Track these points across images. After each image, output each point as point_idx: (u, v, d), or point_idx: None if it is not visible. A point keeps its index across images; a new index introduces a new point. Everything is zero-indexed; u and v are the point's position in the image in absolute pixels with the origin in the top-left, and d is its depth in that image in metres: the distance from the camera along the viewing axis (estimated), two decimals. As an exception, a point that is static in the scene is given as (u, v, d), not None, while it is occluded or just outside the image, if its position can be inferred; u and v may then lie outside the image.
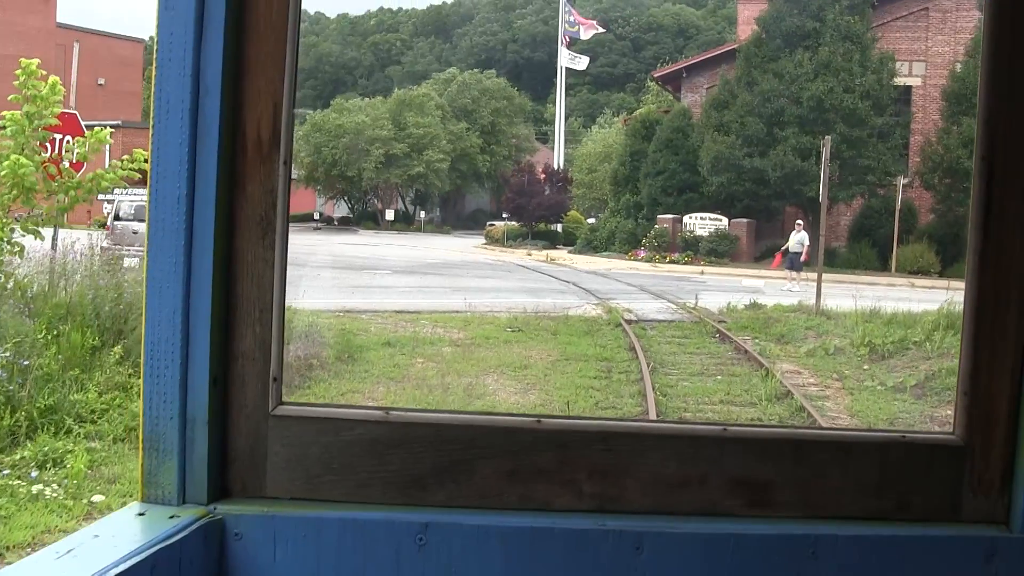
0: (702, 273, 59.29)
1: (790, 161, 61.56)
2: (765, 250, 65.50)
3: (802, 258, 41.25)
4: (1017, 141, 3.18)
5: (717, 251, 64.77)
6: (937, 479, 3.26)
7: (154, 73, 2.98)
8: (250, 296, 3.07)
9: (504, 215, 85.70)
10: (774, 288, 48.86)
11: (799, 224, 47.27)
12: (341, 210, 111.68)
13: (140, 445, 3.02)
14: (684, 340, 30.15)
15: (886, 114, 63.51)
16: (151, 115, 2.95)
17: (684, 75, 75.39)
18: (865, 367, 26.03)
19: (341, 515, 3.08)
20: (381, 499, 3.14)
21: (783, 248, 55.25)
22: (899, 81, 65.15)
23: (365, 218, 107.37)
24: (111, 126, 71.11)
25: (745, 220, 66.42)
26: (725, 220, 66.56)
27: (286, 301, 3.19)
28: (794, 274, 48.47)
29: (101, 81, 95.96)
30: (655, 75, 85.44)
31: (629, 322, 33.73)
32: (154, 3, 2.94)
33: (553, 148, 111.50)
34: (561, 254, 72.31)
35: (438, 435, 3.15)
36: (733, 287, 47.92)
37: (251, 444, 3.10)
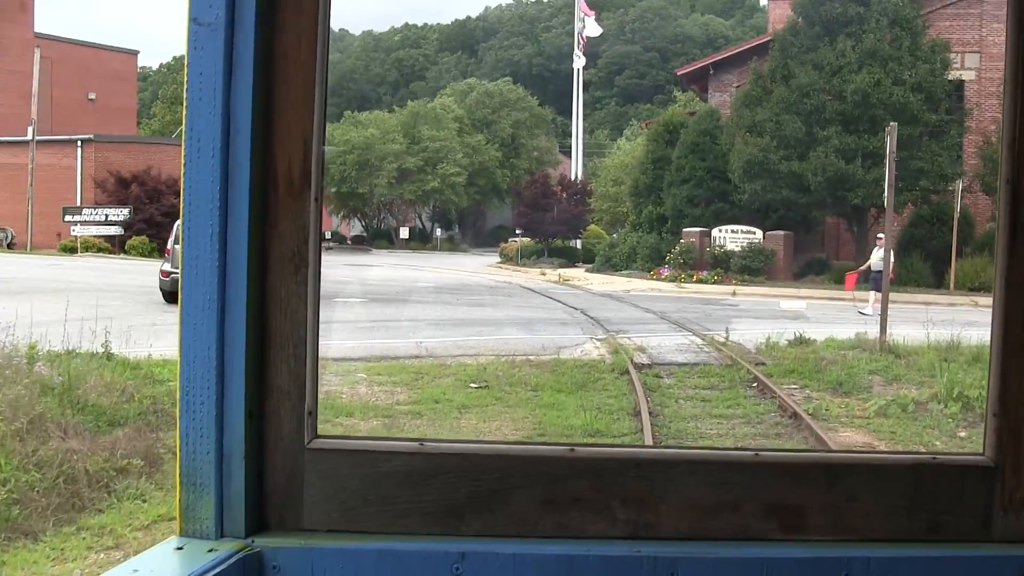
0: (734, 294, 51.14)
1: (832, 164, 52.84)
2: (804, 265, 57.60)
3: (889, 278, 32.16)
4: None
5: (751, 268, 56.64)
6: (968, 499, 3.17)
7: (184, 113, 2.93)
8: (284, 331, 3.03)
9: (517, 231, 76.71)
10: (819, 311, 41.31)
11: (880, 239, 38.16)
12: (357, 229, 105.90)
13: (177, 480, 2.99)
14: (710, 394, 22.70)
15: (940, 110, 55.18)
16: (182, 154, 2.91)
17: (711, 72, 65.90)
18: (962, 434, 19.34)
19: (378, 546, 3.03)
20: (418, 529, 3.09)
21: (861, 267, 46.49)
22: (951, 75, 56.88)
23: (379, 237, 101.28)
24: (82, 140, 63.19)
25: (782, 233, 58.13)
26: (759, 233, 58.05)
27: (319, 336, 3.09)
28: (876, 295, 39.17)
29: (92, 95, 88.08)
30: (679, 72, 75.58)
31: (640, 367, 25.93)
32: (183, 43, 2.91)
33: (574, 159, 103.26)
34: (577, 273, 63.95)
35: (473, 465, 3.10)
36: (770, 311, 41.72)
37: (288, 477, 3.07)
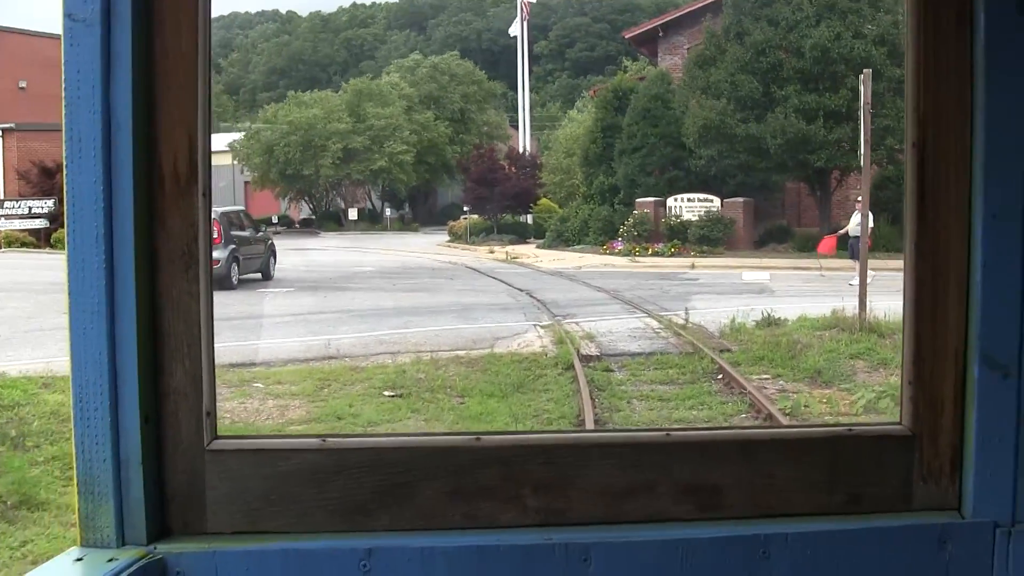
0: (692, 267, 47.62)
1: (793, 125, 48.90)
2: (764, 234, 53.66)
3: (866, 244, 28.21)
4: (945, 127, 3.12)
5: (709, 238, 52.61)
6: (887, 470, 3.20)
7: (63, 111, 2.84)
8: (177, 331, 2.96)
9: (465, 208, 72.49)
10: (784, 283, 37.64)
11: (859, 202, 34.34)
12: (306, 212, 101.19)
13: (75, 489, 2.91)
14: (668, 391, 19.69)
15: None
16: (63, 154, 2.83)
17: (661, 34, 61.72)
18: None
19: (284, 546, 2.97)
20: (324, 527, 3.03)
21: (839, 232, 44.06)
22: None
23: (328, 219, 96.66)
24: (3, 129, 58.90)
25: (741, 200, 54.08)
26: (717, 201, 54.08)
27: (214, 334, 3.05)
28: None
29: (22, 84, 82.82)
30: (627, 35, 71.03)
31: (588, 359, 22.69)
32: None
33: (521, 130, 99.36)
34: (527, 250, 59.81)
35: (377, 459, 3.06)
36: (733, 285, 39.03)
37: (188, 481, 2.99)
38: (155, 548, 2.90)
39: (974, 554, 3.14)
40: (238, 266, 40.12)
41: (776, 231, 52.76)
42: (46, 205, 61.32)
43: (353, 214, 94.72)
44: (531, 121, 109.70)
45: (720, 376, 20.53)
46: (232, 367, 21.45)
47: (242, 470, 3.00)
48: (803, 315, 26.42)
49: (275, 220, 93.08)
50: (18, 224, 61.57)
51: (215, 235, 35.58)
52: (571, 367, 21.31)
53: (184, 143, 2.89)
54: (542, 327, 27.76)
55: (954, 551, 3.13)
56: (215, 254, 34.75)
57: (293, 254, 59.13)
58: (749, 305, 28.80)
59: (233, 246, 40.08)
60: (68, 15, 2.79)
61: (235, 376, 20.71)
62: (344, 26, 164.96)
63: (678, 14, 63.17)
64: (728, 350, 23.34)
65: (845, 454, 3.17)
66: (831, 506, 3.16)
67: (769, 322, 25.85)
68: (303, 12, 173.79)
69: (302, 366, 22.11)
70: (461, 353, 23.28)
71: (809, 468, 3.15)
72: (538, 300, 34.01)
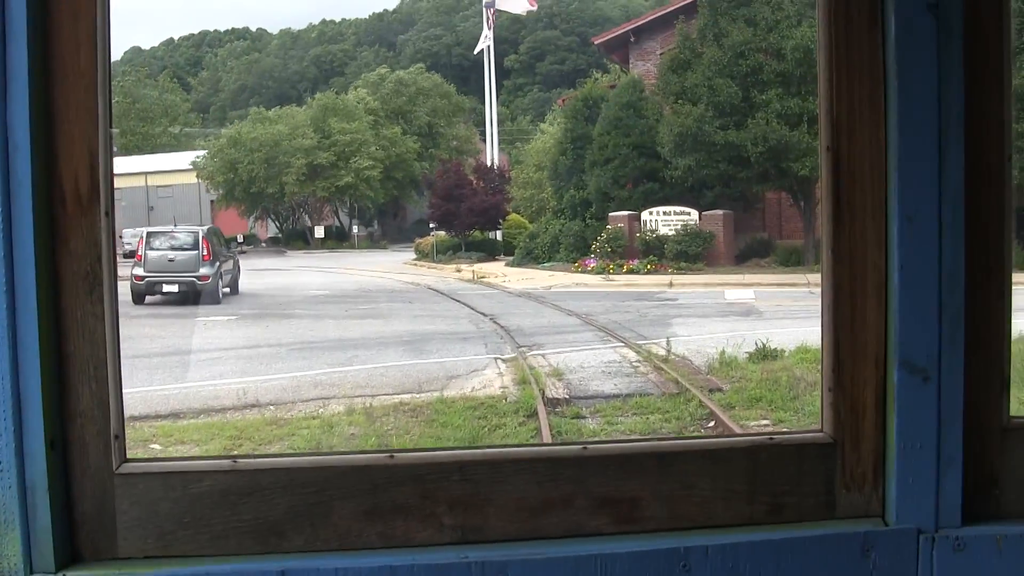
0: (671, 285, 43.73)
1: (775, 131, 45.20)
2: (745, 247, 49.66)
3: None
4: (858, 130, 3.10)
5: (688, 254, 48.70)
6: (809, 478, 3.16)
7: None
8: (83, 353, 2.85)
9: (431, 225, 68.45)
10: (771, 302, 34.21)
11: None
12: (273, 231, 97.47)
13: None
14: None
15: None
16: None
17: (632, 40, 57.52)
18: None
19: (196, 570, 2.90)
20: (237, 550, 2.96)
21: None
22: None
23: (295, 237, 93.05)
24: None
25: (721, 212, 50.01)
26: (695, 213, 50.04)
27: (121, 355, 3.00)
28: None
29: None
30: (596, 41, 66.93)
31: (555, 403, 19.14)
32: None
33: (500, 147, 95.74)
34: (496, 268, 55.50)
35: (290, 479, 2.98)
36: (716, 305, 36.06)
37: (98, 505, 2.90)
38: (64, 575, 2.79)
39: (898, 561, 3.11)
40: (222, 281, 41.45)
41: (757, 244, 48.95)
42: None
43: (320, 232, 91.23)
44: (501, 135, 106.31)
45: (711, 423, 17.08)
46: (133, 421, 17.53)
47: (152, 493, 2.88)
48: (803, 345, 22.50)
49: (240, 239, 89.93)
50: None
51: (205, 252, 40.12)
52: (534, 414, 17.78)
53: (85, 162, 2.79)
54: (504, 361, 24.03)
55: (878, 559, 3.09)
56: (205, 271, 39.70)
57: (251, 276, 55.89)
58: (735, 330, 25.36)
59: (219, 263, 41.56)
60: None
61: (134, 434, 16.76)
62: (314, 43, 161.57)
63: (650, 18, 59.01)
64: (719, 389, 19.74)
65: (766, 463, 3.10)
66: (753, 516, 3.10)
67: (764, 354, 22.01)
68: (273, 29, 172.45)
69: (216, 418, 18.27)
70: (406, 398, 19.55)
71: (729, 478, 3.09)
72: (502, 327, 30.23)
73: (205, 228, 44.97)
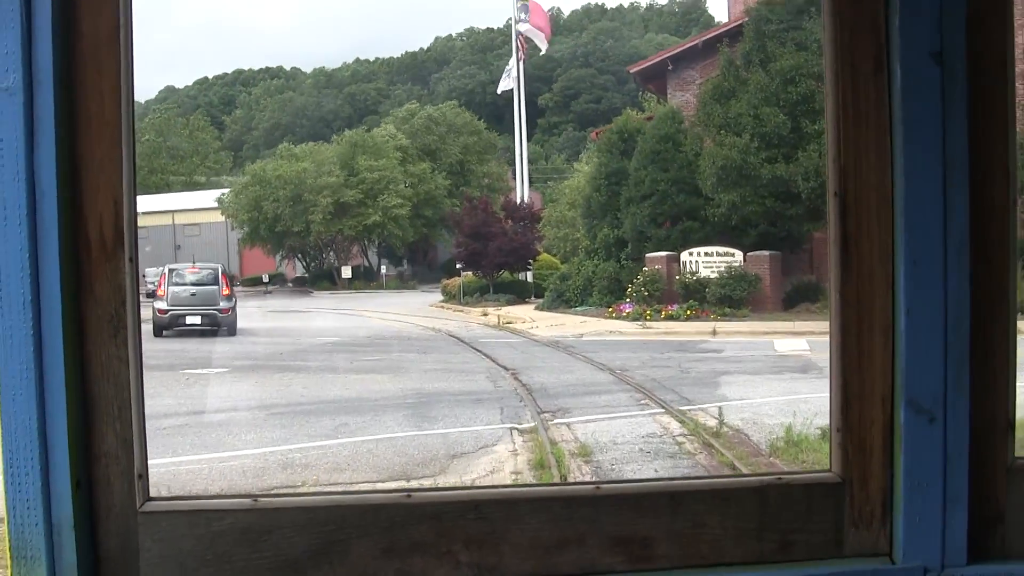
0: (714, 333, 38.93)
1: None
2: (792, 292, 44.80)
3: None
4: (865, 176, 3.12)
5: (731, 298, 43.87)
6: (818, 517, 3.17)
7: None
8: (107, 395, 2.88)
9: (458, 265, 64.04)
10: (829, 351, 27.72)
11: None
12: (300, 270, 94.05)
13: (8, 553, 2.83)
14: None
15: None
16: None
17: (670, 68, 52.81)
18: None
19: None
20: None
21: None
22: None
23: (322, 277, 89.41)
24: None
25: (767, 253, 45.19)
26: (739, 254, 45.34)
27: (144, 397, 3.00)
28: None
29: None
30: (632, 70, 62.14)
31: None
32: None
33: (533, 185, 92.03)
34: (524, 312, 50.89)
35: (309, 518, 3.00)
36: (767, 359, 31.23)
37: (121, 543, 2.92)
38: None
39: None
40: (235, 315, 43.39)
41: (805, 288, 44.09)
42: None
43: (347, 272, 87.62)
44: (535, 175, 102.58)
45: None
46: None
47: (175, 531, 2.90)
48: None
49: (266, 279, 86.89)
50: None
51: (225, 287, 43.39)
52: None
53: (110, 209, 2.84)
54: (521, 432, 19.59)
55: None
56: (225, 304, 42.76)
57: (266, 318, 53.56)
58: (796, 392, 20.87)
59: (235, 298, 44.59)
60: None
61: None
62: (347, 81, 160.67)
63: (689, 44, 54.19)
64: (790, 482, 14.81)
65: (775, 502, 3.11)
66: (763, 554, 3.11)
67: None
68: (307, 68, 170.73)
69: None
70: (391, 487, 15.01)
71: (739, 517, 3.10)
72: (524, 385, 25.73)
73: (221, 266, 46.85)
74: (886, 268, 3.11)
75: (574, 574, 3.05)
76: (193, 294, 42.89)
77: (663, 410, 21.43)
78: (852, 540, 3.15)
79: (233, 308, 43.25)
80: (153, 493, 2.90)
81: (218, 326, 42.03)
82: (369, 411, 22.23)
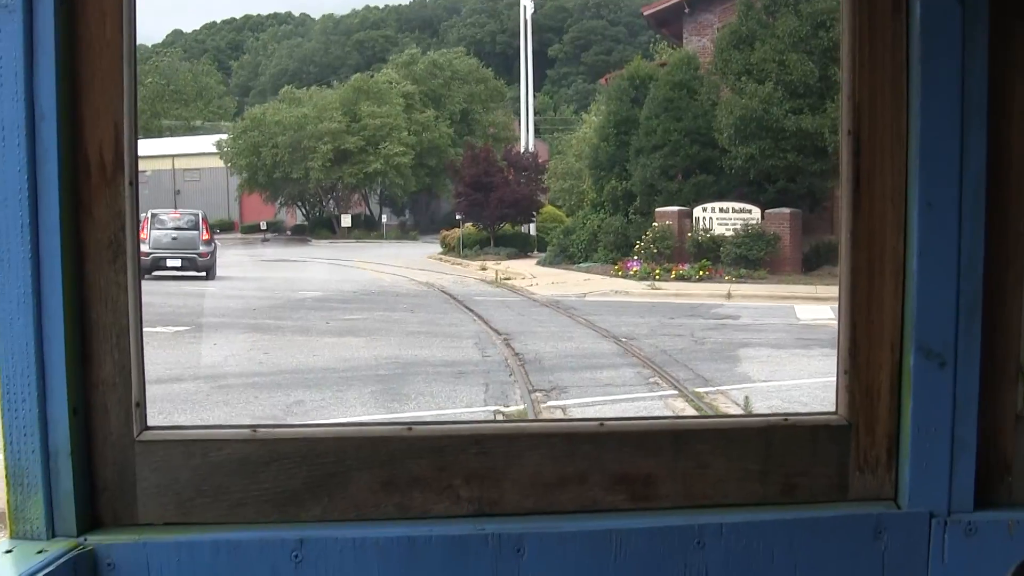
0: (728, 297, 35.65)
1: (859, 116, 36.34)
2: (811, 252, 41.43)
3: None
4: (880, 116, 3.06)
5: (748, 259, 40.71)
6: (822, 460, 3.13)
7: None
8: (105, 322, 2.86)
9: (457, 216, 60.63)
10: None
11: None
12: (301, 218, 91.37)
13: (6, 480, 2.82)
14: None
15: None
16: None
17: (686, 11, 49.19)
18: None
19: (215, 537, 2.90)
20: (255, 518, 2.96)
21: None
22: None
23: (322, 226, 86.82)
24: None
25: (787, 211, 41.79)
26: (756, 211, 42.00)
27: (143, 324, 2.95)
28: None
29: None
30: (645, 12, 58.36)
31: None
32: None
33: (540, 136, 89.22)
34: (525, 267, 47.71)
35: (309, 449, 2.98)
36: (789, 328, 27.77)
37: (119, 472, 2.91)
38: (85, 540, 2.81)
39: (909, 544, 3.09)
40: (214, 259, 44.27)
41: (827, 249, 40.51)
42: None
43: (347, 221, 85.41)
44: (543, 125, 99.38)
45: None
46: None
47: (172, 461, 2.89)
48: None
49: (263, 227, 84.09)
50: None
51: (204, 233, 44.20)
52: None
53: (110, 132, 2.79)
54: (506, 417, 15.98)
55: (889, 541, 3.07)
56: (204, 248, 43.60)
57: (254, 267, 51.67)
58: (829, 372, 17.13)
59: (215, 243, 45.75)
60: None
61: None
62: (356, 28, 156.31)
63: (709, -15, 50.98)
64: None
65: (780, 444, 3.08)
66: (766, 496, 3.08)
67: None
68: (316, 15, 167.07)
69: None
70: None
71: (744, 458, 3.07)
72: (516, 354, 22.20)
73: (202, 212, 47.56)
74: (899, 210, 3.04)
75: (575, 511, 3.00)
76: (174, 238, 43.80)
77: (676, 392, 17.96)
78: (857, 484, 3.09)
79: (212, 252, 44.25)
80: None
81: (197, 269, 42.95)
82: (333, 385, 18.71)
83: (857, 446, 3.10)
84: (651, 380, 19.38)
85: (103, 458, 2.86)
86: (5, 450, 2.77)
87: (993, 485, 3.13)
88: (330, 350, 22.90)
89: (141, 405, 2.89)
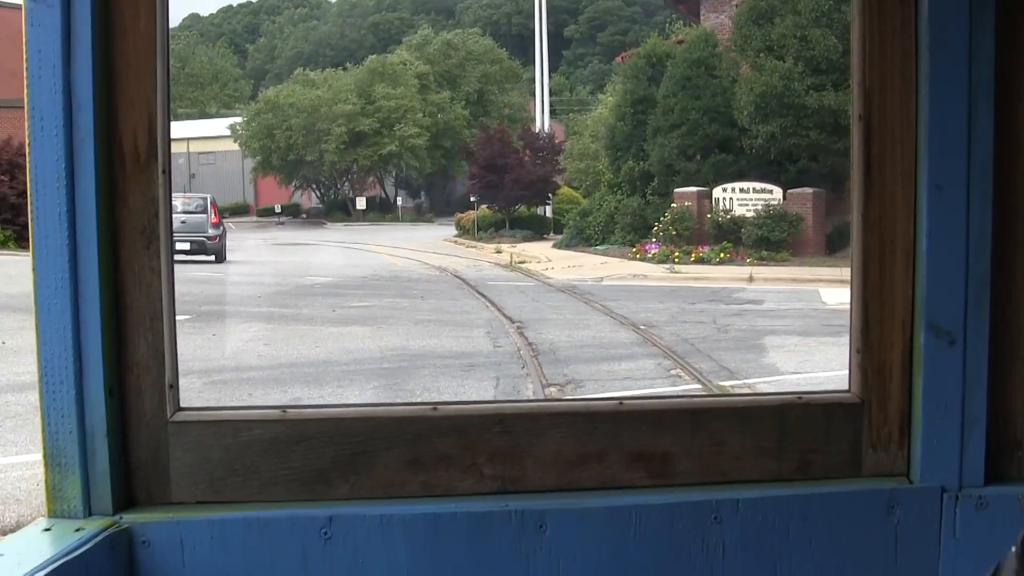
0: (750, 280, 34.40)
1: (883, 92, 35.07)
2: (835, 233, 40.03)
3: None
4: (890, 100, 3.09)
5: (770, 240, 39.47)
6: (836, 437, 3.16)
7: (26, 91, 2.80)
8: (139, 306, 2.90)
9: (472, 198, 59.42)
10: None
11: None
12: (316, 201, 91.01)
13: (44, 461, 2.88)
14: None
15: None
16: (27, 133, 2.79)
17: (704, -14, 48.03)
18: None
19: (246, 515, 2.94)
20: (285, 496, 3.00)
21: None
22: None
23: (337, 208, 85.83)
24: None
25: (810, 191, 40.49)
26: (778, 192, 40.68)
27: (175, 308, 2.98)
28: None
29: (-11, 58, 70.29)
30: (662, -14, 57.14)
31: None
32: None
33: (556, 117, 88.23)
34: (540, 251, 46.44)
35: (337, 429, 3.00)
36: (815, 314, 26.33)
37: (153, 452, 2.95)
38: (121, 518, 2.86)
39: (922, 519, 3.12)
40: (223, 241, 44.73)
41: (849, 230, 39.34)
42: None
43: (362, 203, 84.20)
44: (556, 104, 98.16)
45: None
46: None
47: (204, 441, 2.92)
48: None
49: (278, 209, 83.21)
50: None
51: (213, 216, 44.84)
52: None
53: (144, 121, 2.83)
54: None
55: (902, 516, 3.11)
56: (213, 231, 44.05)
57: (267, 253, 50.67)
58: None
59: (223, 227, 45.99)
60: None
61: None
62: (371, 10, 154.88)
63: (727, -40, 49.58)
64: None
65: (795, 421, 3.11)
66: (781, 472, 3.11)
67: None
68: None
69: None
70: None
71: (759, 435, 3.10)
72: (529, 343, 21.01)
73: (210, 196, 47.41)
74: (909, 192, 3.08)
75: (595, 488, 3.04)
76: (183, 222, 43.10)
77: (699, 386, 16.74)
78: (870, 460, 3.12)
79: (221, 236, 44.58)
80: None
81: (206, 252, 42.82)
82: (333, 380, 17.51)
83: (870, 423, 3.14)
84: (672, 372, 18.16)
85: (137, 438, 2.90)
86: (43, 431, 2.80)
87: (1003, 460, 3.16)
88: (334, 341, 21.68)
89: (174, 387, 2.92)
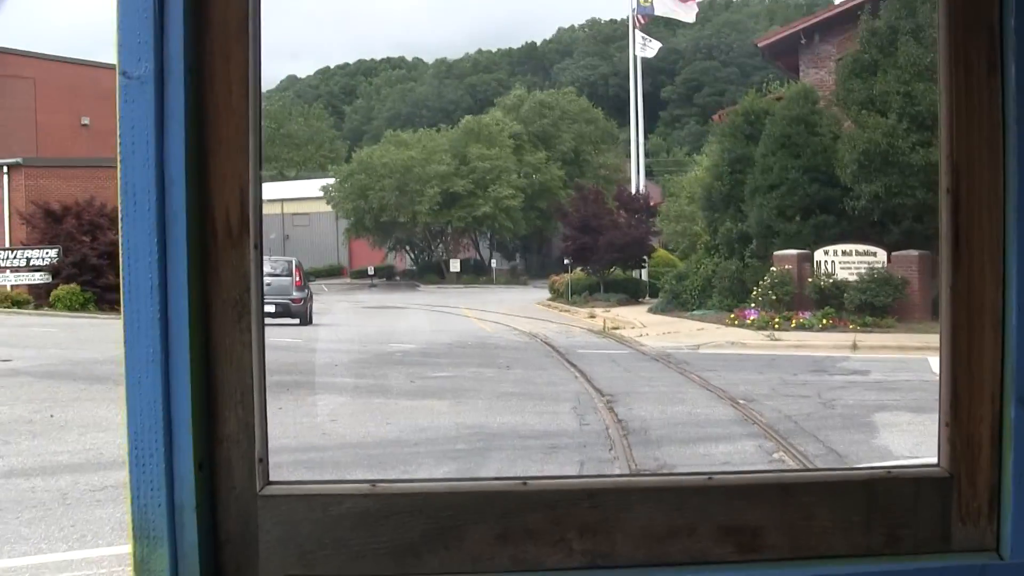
0: (854, 348, 32.42)
1: (993, 148, 33.19)
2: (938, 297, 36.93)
3: None
4: (978, 173, 3.03)
5: (874, 305, 37.36)
6: (925, 511, 3.05)
7: (118, 165, 2.81)
8: (230, 380, 2.87)
9: (565, 260, 57.89)
10: None
11: None
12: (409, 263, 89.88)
13: (131, 533, 2.82)
14: None
15: None
16: (119, 207, 2.80)
17: (803, 41, 46.06)
18: None
19: None
20: (375, 570, 2.94)
21: None
22: None
23: (430, 271, 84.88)
24: (8, 165, 46.84)
25: (915, 253, 38.47)
26: (882, 254, 38.86)
27: (266, 381, 2.97)
28: None
29: (85, 120, 69.55)
30: (760, 44, 55.25)
31: None
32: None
33: (652, 179, 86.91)
34: (634, 315, 44.78)
35: (426, 503, 2.95)
36: (927, 385, 23.56)
37: (241, 525, 2.90)
38: None
39: None
40: (310, 304, 44.81)
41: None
42: (47, 255, 47.30)
43: (455, 265, 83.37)
44: (653, 165, 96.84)
45: None
46: None
47: (294, 515, 2.87)
48: None
49: (371, 271, 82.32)
50: (14, 279, 47.65)
51: (297, 279, 44.80)
52: None
53: (235, 196, 2.84)
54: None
55: None
56: (297, 294, 44.01)
57: (354, 316, 50.24)
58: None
59: (308, 289, 45.99)
60: (123, 73, 2.73)
61: None
62: (468, 71, 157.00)
63: (826, 15, 47.29)
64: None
65: (883, 495, 3.01)
66: (870, 547, 3.01)
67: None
68: (428, 59, 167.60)
69: None
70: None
71: (848, 509, 3.00)
72: (619, 420, 19.39)
73: (296, 259, 47.59)
74: (997, 265, 3.02)
75: (685, 563, 2.99)
76: (268, 284, 41.98)
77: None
78: (959, 535, 3.01)
79: (306, 299, 44.40)
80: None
81: (291, 315, 42.84)
82: (400, 463, 15.95)
83: (959, 497, 2.99)
84: (775, 456, 16.42)
85: (227, 512, 2.83)
86: (131, 504, 2.74)
87: None
88: (407, 416, 20.12)
89: (264, 460, 2.87)
